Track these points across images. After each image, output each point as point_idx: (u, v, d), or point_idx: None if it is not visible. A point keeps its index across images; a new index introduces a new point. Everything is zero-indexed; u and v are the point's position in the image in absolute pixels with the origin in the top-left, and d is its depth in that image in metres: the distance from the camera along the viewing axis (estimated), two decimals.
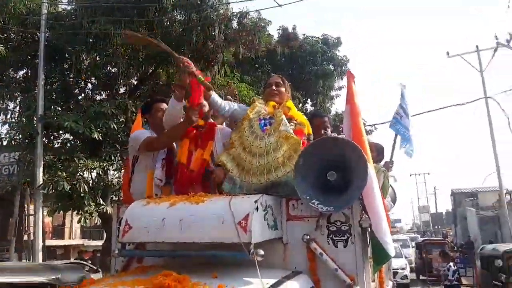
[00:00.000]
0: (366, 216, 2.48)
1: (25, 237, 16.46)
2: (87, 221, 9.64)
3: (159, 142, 3.08)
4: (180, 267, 2.16)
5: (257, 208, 2.21)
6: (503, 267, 8.67)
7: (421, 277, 17.08)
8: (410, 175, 47.29)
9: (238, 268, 2.19)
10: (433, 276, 15.74)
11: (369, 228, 2.51)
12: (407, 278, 14.84)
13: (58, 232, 23.97)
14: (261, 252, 2.05)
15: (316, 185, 2.51)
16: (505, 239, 17.57)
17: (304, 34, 18.08)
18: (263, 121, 2.83)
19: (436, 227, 46.38)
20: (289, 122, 2.82)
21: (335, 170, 2.50)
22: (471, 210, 25.55)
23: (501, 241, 17.72)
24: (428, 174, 54.24)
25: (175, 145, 3.21)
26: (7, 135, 9.63)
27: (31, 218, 15.04)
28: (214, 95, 2.96)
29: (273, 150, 2.70)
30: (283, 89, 3.03)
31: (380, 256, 2.58)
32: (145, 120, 3.54)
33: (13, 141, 9.68)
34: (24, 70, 10.62)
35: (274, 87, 3.01)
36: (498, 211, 20.55)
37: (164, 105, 3.30)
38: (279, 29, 18.03)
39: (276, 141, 2.72)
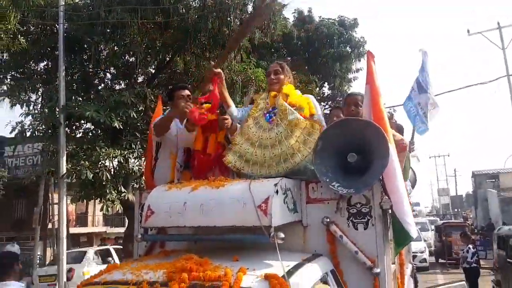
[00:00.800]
0: (387, 197, 2.46)
1: (49, 226, 17.00)
2: (109, 208, 9.84)
3: (159, 125, 3.18)
4: (202, 251, 2.20)
5: (277, 192, 2.22)
6: None
7: (440, 260, 16.92)
8: (430, 157, 46.57)
9: (259, 251, 2.22)
10: (453, 259, 15.59)
11: (389, 210, 2.50)
12: (426, 262, 14.71)
13: (81, 220, 24.60)
14: (282, 235, 2.07)
15: (336, 167, 2.50)
16: None
17: (320, 17, 17.78)
18: (267, 114, 2.84)
19: (456, 210, 45.65)
20: None
21: (355, 152, 2.48)
22: (492, 191, 25.02)
23: None
24: (448, 156, 53.30)
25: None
26: (30, 126, 9.83)
27: (55, 206, 15.51)
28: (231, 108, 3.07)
29: (285, 138, 2.67)
30: (281, 76, 3.01)
31: (402, 237, 2.56)
32: (168, 107, 3.60)
33: (36, 132, 9.88)
34: (45, 62, 10.76)
35: (272, 76, 3.01)
36: None
37: (186, 92, 3.37)
38: (294, 12, 17.80)
39: (285, 129, 2.69)
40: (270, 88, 3.02)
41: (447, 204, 48.63)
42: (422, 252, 14.50)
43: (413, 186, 4.45)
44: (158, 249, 2.82)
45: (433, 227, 20.25)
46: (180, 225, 2.31)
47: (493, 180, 28.53)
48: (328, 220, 2.46)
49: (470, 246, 10.13)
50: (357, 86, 21.04)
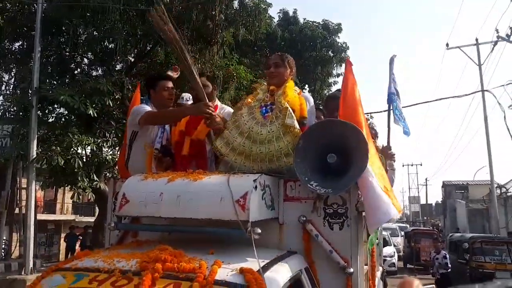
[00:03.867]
0: (362, 200, 2.48)
1: (17, 210, 16.47)
2: (80, 196, 9.63)
3: (162, 117, 3.10)
4: (176, 242, 2.17)
5: (255, 187, 2.21)
6: (468, 249, 11.23)
7: (409, 266, 17.39)
8: (403, 165, 47.73)
9: (235, 246, 2.20)
10: (421, 264, 16.13)
11: (364, 213, 2.52)
12: (395, 266, 15.12)
13: (49, 207, 23.94)
14: (258, 230, 2.07)
15: (315, 167, 2.51)
16: (492, 231, 17.88)
17: (304, 19, 17.97)
18: (264, 107, 2.76)
19: (425, 217, 46.95)
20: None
21: (335, 153, 2.49)
22: (460, 202, 25.85)
23: (489, 233, 18.03)
24: (421, 165, 54.88)
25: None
26: (1, 107, 9.51)
27: (23, 191, 15.03)
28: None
29: (276, 138, 2.63)
30: (282, 69, 2.90)
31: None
32: (147, 94, 3.50)
33: (7, 114, 9.57)
34: (20, 42, 10.44)
35: (272, 69, 2.90)
36: (488, 204, 20.83)
37: (170, 84, 3.29)
38: (279, 12, 17.90)
39: (278, 129, 2.65)
40: (269, 81, 2.92)
41: (417, 212, 49.91)
42: (391, 257, 14.87)
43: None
44: (130, 238, 2.76)
45: (402, 233, 20.78)
46: (155, 215, 2.27)
47: (462, 191, 29.47)
48: (305, 218, 2.47)
49: (445, 252, 10.72)
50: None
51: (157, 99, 3.26)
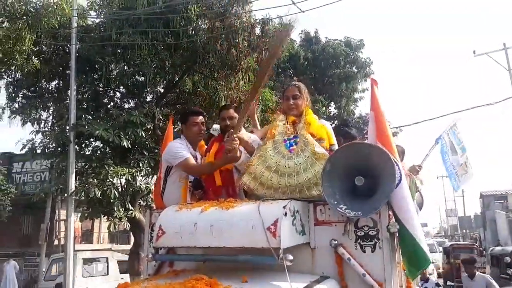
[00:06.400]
0: (394, 221, 2.49)
1: (56, 242, 17.02)
2: (116, 226, 9.89)
3: (198, 172, 3.20)
4: (211, 271, 2.23)
5: (285, 214, 2.26)
6: (510, 263, 11.05)
7: (449, 283, 16.60)
8: (437, 178, 46.12)
9: (267, 273, 2.24)
10: (461, 281, 15.33)
11: (397, 233, 2.52)
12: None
13: (87, 237, 24.58)
14: (290, 257, 2.10)
15: (343, 190, 2.53)
16: None
17: (326, 37, 18.08)
18: (288, 141, 2.83)
19: (464, 231, 44.97)
20: None
21: (363, 175, 2.52)
22: (500, 212, 24.69)
23: None
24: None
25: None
26: (40, 144, 9.99)
27: (62, 223, 15.56)
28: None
29: (304, 170, 2.68)
30: (300, 101, 3.00)
31: (419, 260, 2.58)
32: (177, 127, 3.64)
33: (46, 150, 10.04)
34: (56, 81, 11.01)
35: (291, 101, 2.99)
36: None
37: (200, 118, 3.38)
38: (301, 33, 18.09)
39: (305, 161, 2.70)
40: (288, 113, 3.00)
41: (455, 225, 47.90)
42: (430, 275, 14.27)
43: (420, 209, 4.47)
44: (167, 268, 2.84)
45: (441, 248, 19.94)
46: (190, 246, 2.35)
47: (502, 201, 28.20)
48: (336, 242, 2.48)
49: (436, 280, 8.19)
50: (363, 105, 21.11)
51: (188, 134, 3.36)
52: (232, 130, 2.97)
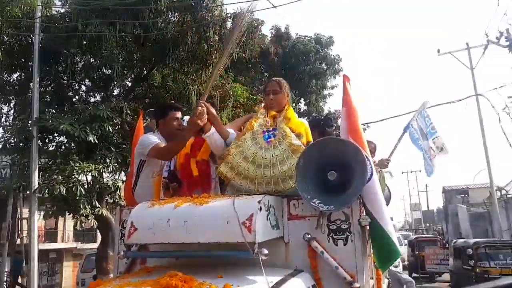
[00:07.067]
0: (365, 215, 2.55)
1: (18, 241, 16.37)
2: (82, 224, 9.62)
3: (169, 151, 3.11)
4: (184, 267, 2.21)
5: (260, 208, 2.26)
6: (472, 255, 11.22)
7: (414, 275, 17.20)
8: (402, 173, 47.61)
9: (242, 268, 2.24)
10: (426, 273, 15.99)
11: (368, 226, 2.58)
12: None
13: (50, 235, 23.80)
14: (265, 251, 2.11)
15: (316, 184, 2.57)
16: (495, 235, 17.81)
17: (297, 34, 18.17)
18: (266, 133, 2.87)
19: (427, 224, 46.68)
20: None
21: (335, 170, 2.56)
22: (461, 206, 25.78)
23: (492, 237, 17.97)
24: (420, 171, 54.57)
25: None
26: (1, 139, 9.57)
27: (25, 222, 14.97)
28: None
29: (280, 162, 2.74)
30: (280, 96, 3.06)
31: (389, 253, 2.65)
32: (145, 122, 3.57)
33: (7, 145, 9.62)
34: (18, 73, 10.56)
35: (271, 97, 3.04)
36: (489, 207, 20.80)
37: (179, 114, 3.32)
38: (272, 29, 18.11)
39: (282, 154, 2.76)
40: (269, 108, 3.05)
41: (419, 219, 49.62)
42: (396, 267, 14.71)
43: (388, 202, 4.58)
44: (138, 266, 2.80)
45: (406, 241, 20.63)
46: (164, 242, 2.32)
47: (463, 195, 29.45)
48: (309, 236, 2.51)
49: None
50: (332, 102, 21.44)
51: (166, 129, 3.27)
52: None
